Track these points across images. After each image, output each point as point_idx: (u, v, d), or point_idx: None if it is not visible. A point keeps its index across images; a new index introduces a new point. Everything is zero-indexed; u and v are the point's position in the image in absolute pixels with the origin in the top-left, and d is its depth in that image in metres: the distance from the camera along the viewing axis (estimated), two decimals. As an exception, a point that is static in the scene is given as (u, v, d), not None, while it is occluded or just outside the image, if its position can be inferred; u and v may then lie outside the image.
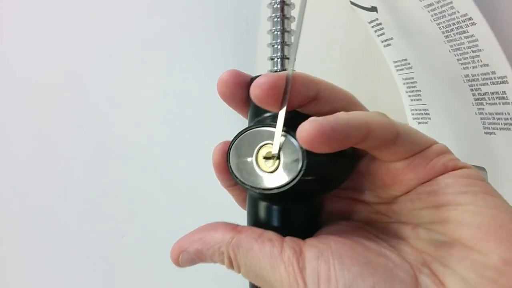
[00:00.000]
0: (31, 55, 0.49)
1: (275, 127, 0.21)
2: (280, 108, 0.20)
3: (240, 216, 0.34)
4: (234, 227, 0.21)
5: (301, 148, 0.20)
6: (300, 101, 0.21)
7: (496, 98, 0.28)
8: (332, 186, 0.24)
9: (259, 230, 0.21)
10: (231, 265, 0.21)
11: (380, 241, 0.21)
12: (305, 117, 0.23)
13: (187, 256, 0.21)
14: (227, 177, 0.24)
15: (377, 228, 0.23)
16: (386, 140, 0.20)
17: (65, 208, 0.46)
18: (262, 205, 0.23)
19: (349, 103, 0.22)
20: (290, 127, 0.21)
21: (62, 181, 0.46)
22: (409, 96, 0.39)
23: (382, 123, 0.20)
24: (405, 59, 0.37)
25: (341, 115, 0.19)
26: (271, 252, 0.20)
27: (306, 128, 0.18)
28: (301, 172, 0.20)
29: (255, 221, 0.24)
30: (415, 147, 0.21)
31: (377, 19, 0.36)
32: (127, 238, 0.46)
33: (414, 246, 0.21)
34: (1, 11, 0.48)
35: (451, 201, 0.20)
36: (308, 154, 0.20)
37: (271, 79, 0.20)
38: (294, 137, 0.20)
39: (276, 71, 0.26)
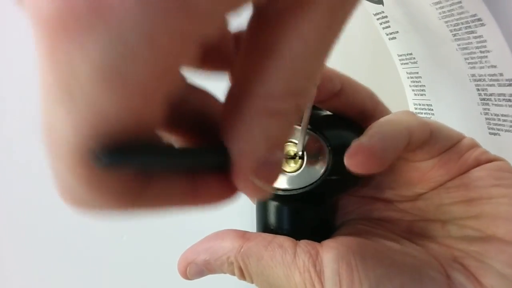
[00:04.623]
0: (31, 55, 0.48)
1: (297, 124, 0.20)
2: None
3: (242, 216, 0.34)
4: (242, 235, 0.20)
5: (328, 147, 0.19)
6: (324, 96, 0.20)
7: (503, 100, 0.27)
8: (352, 184, 0.23)
9: (269, 237, 0.20)
10: (242, 276, 0.19)
11: (404, 240, 0.20)
12: (323, 112, 0.22)
13: (195, 268, 0.20)
14: None
15: (400, 226, 0.22)
16: (421, 142, 0.19)
17: (65, 207, 0.46)
18: (275, 206, 0.22)
19: (370, 100, 0.21)
20: (312, 124, 0.20)
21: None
22: (413, 90, 0.39)
23: (418, 126, 0.19)
24: (410, 54, 0.36)
25: (383, 128, 0.18)
26: (284, 260, 0.18)
27: (355, 154, 0.17)
28: (327, 172, 0.19)
29: (265, 224, 0.23)
30: (447, 143, 0.20)
31: (383, 11, 0.36)
32: (127, 238, 0.46)
33: (442, 243, 0.20)
34: None
35: (484, 194, 0.19)
36: (334, 153, 0.19)
37: None
38: (318, 134, 0.20)
39: None
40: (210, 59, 0.15)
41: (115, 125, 0.09)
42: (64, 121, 0.09)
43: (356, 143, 0.17)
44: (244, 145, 0.12)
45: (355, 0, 0.12)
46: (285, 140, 0.12)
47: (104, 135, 0.09)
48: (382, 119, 0.19)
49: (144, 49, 0.08)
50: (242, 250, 0.19)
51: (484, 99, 0.29)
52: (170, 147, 0.13)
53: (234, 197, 0.14)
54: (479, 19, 0.25)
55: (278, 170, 0.13)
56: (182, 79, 0.14)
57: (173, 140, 0.15)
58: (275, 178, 0.13)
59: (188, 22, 0.09)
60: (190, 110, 0.14)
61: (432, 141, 0.19)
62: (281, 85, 0.11)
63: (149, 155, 0.10)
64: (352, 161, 0.17)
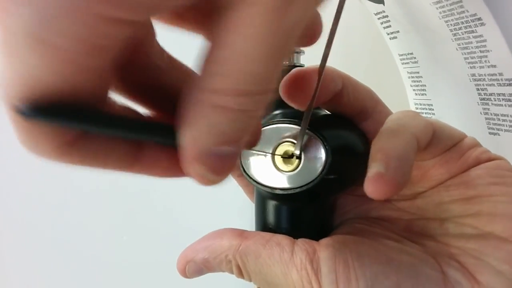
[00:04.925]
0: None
1: (295, 124, 0.20)
2: (309, 106, 0.19)
3: (241, 216, 0.34)
4: (240, 233, 0.20)
5: (326, 146, 0.20)
6: (327, 97, 0.20)
7: (502, 99, 0.27)
8: (350, 184, 0.23)
9: (267, 235, 0.20)
10: (240, 274, 0.19)
11: (401, 238, 0.21)
12: (321, 111, 0.23)
13: (194, 266, 0.20)
14: (237, 166, 0.22)
15: (398, 225, 0.22)
16: (425, 143, 0.19)
17: (66, 207, 0.46)
18: (273, 205, 0.22)
19: (370, 99, 0.21)
20: (310, 123, 0.20)
21: (63, 179, 0.45)
22: (414, 90, 0.39)
23: (423, 129, 0.19)
24: (411, 53, 0.36)
25: (396, 147, 0.17)
26: (281, 258, 0.18)
27: (376, 183, 0.16)
28: (324, 171, 0.19)
29: (264, 223, 0.23)
30: (449, 143, 0.20)
31: (383, 11, 0.36)
32: (128, 238, 0.46)
33: (440, 241, 0.20)
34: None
35: (483, 192, 0.19)
36: (331, 153, 0.19)
37: (303, 74, 0.19)
38: (317, 134, 0.20)
39: None
40: (188, 17, 0.14)
41: (47, 86, 0.10)
42: (5, 71, 0.10)
43: (375, 172, 0.17)
44: (189, 132, 0.12)
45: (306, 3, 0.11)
46: (236, 138, 0.12)
47: (35, 92, 0.10)
48: (388, 129, 0.19)
49: (63, 24, 0.09)
50: (240, 248, 0.19)
51: (484, 99, 0.29)
52: (118, 115, 0.13)
53: (181, 176, 0.14)
54: (479, 19, 0.25)
55: (226, 164, 0.12)
56: (153, 52, 0.14)
57: (145, 110, 0.15)
58: (223, 171, 0.13)
59: (108, 7, 0.09)
60: (167, 84, 0.14)
61: (435, 141, 0.19)
62: (225, 82, 0.11)
63: (83, 117, 0.11)
64: (373, 190, 0.17)
